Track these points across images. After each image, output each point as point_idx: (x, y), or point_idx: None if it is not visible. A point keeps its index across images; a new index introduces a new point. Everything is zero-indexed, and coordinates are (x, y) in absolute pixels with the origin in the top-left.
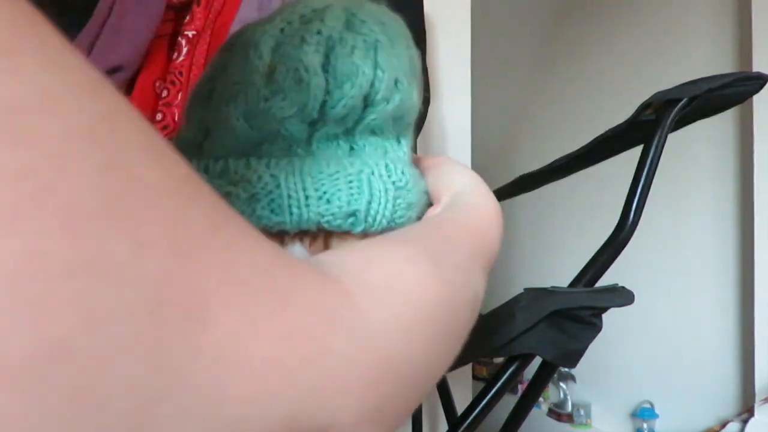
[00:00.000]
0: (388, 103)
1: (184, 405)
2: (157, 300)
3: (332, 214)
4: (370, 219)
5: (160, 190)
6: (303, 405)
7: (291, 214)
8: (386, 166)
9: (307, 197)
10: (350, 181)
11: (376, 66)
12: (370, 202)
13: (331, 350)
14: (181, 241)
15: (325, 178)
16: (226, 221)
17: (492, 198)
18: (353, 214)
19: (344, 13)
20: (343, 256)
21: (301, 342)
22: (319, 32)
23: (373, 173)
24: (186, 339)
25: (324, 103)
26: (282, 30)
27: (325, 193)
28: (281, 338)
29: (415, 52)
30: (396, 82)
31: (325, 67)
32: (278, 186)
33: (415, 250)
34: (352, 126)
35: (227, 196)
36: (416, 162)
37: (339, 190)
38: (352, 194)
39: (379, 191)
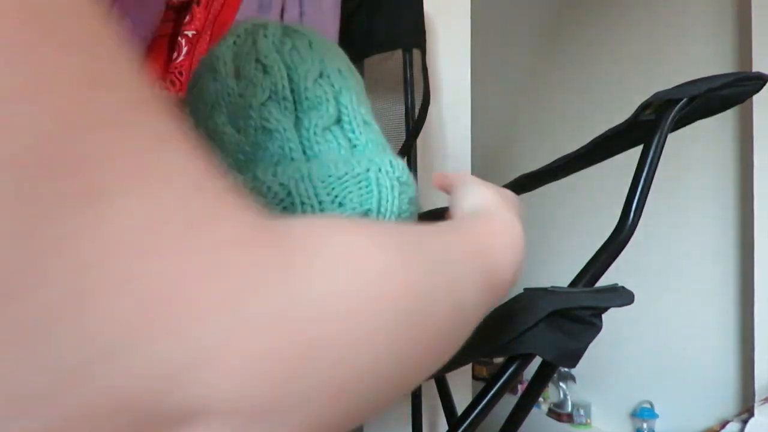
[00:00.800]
0: (341, 74)
1: (48, 297)
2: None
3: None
4: (381, 217)
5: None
6: (178, 369)
7: None
8: (390, 162)
9: (320, 202)
10: (359, 181)
11: (317, 55)
12: (380, 200)
13: (237, 307)
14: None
15: (334, 182)
16: (169, 126)
17: (513, 223)
18: (366, 213)
19: (280, 26)
20: (310, 218)
21: (201, 281)
22: (265, 36)
23: (380, 170)
24: (69, 207)
25: (292, 89)
26: (234, 42)
27: (336, 196)
28: (175, 266)
29: (347, 61)
30: (339, 71)
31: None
32: (289, 194)
33: (390, 239)
34: (337, 114)
35: None
36: (441, 179)
37: (350, 192)
38: (362, 194)
39: (386, 188)
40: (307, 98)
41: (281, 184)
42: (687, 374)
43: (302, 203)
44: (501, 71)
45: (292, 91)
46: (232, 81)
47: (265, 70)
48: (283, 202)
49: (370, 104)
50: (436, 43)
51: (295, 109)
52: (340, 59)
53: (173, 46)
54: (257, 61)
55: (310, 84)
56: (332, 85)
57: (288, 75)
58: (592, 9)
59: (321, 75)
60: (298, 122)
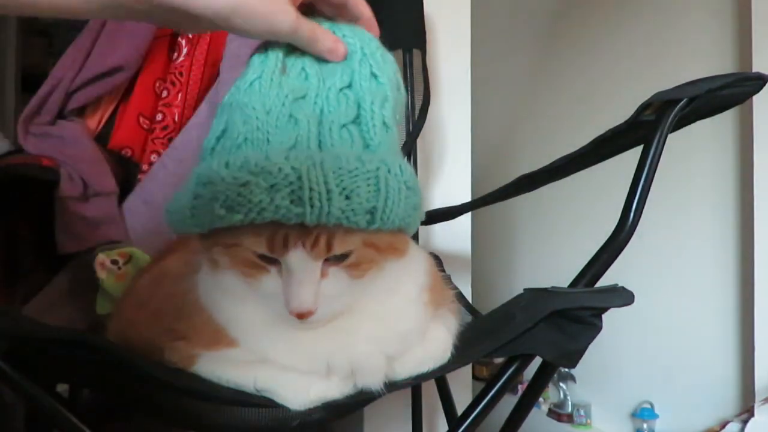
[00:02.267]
0: (374, 78)
1: None
2: None
3: (353, 210)
4: (385, 216)
5: None
6: None
7: (312, 206)
8: (400, 166)
9: (328, 191)
10: (368, 178)
11: (350, 65)
12: (386, 200)
13: None
14: None
15: (345, 174)
16: None
17: None
18: (371, 211)
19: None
20: None
21: None
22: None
23: (389, 171)
24: None
25: (318, 94)
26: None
27: (345, 188)
28: None
29: (387, 64)
30: (373, 75)
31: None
32: (299, 178)
33: None
34: (355, 114)
35: (246, 185)
36: None
37: (358, 186)
38: (370, 191)
39: (394, 190)
40: (329, 104)
41: (293, 168)
42: (687, 374)
43: (311, 189)
44: (501, 71)
45: (318, 95)
46: (278, 71)
47: (306, 77)
48: (292, 185)
49: (400, 111)
50: (436, 43)
51: (321, 113)
52: (384, 65)
53: (173, 46)
54: (303, 68)
55: (332, 94)
56: (357, 92)
57: (320, 85)
58: (592, 9)
59: (350, 85)
60: (320, 123)
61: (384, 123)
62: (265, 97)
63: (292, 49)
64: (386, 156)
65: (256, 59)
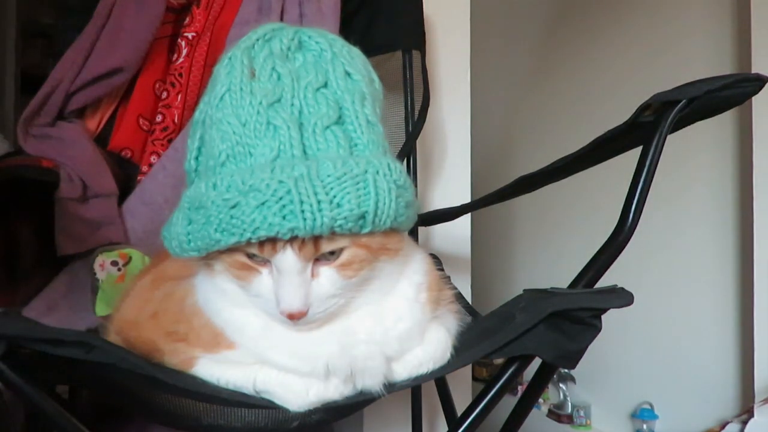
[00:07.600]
0: (349, 77)
1: None
2: None
3: (344, 218)
4: (377, 220)
5: None
6: None
7: (305, 219)
8: (388, 165)
9: (319, 202)
10: (357, 182)
11: (323, 65)
12: (377, 203)
13: None
14: None
15: (333, 182)
16: None
17: None
18: (363, 216)
19: (295, 33)
20: None
21: None
22: (281, 47)
23: (377, 172)
24: None
25: (295, 95)
26: (253, 46)
27: (335, 197)
28: None
29: (360, 63)
30: (347, 74)
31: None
32: (288, 192)
33: None
34: (338, 114)
35: (236, 207)
36: None
37: (348, 193)
38: (360, 196)
39: (384, 191)
40: (307, 104)
41: (280, 182)
42: (687, 375)
43: (302, 202)
44: (501, 71)
45: (294, 96)
46: (246, 78)
47: (279, 78)
48: (282, 200)
49: (380, 105)
50: (436, 44)
51: (300, 114)
52: (353, 61)
53: (173, 47)
54: (273, 69)
55: (310, 94)
56: (335, 92)
57: (294, 85)
58: (592, 9)
59: (326, 85)
60: (300, 126)
61: (368, 121)
62: (239, 109)
63: (257, 50)
64: (374, 156)
65: (222, 70)
